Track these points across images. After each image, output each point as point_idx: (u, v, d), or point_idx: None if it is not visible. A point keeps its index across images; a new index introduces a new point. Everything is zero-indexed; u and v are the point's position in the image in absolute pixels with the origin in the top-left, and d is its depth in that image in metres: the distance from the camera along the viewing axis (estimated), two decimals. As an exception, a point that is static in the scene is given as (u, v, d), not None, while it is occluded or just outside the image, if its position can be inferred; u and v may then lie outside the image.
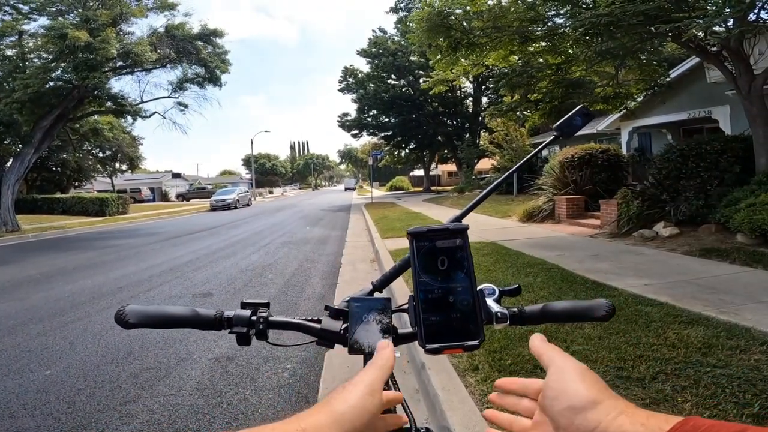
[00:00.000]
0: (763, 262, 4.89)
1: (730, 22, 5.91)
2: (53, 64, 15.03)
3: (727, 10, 4.90)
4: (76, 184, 31.31)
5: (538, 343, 0.50)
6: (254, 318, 0.66)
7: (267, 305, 0.69)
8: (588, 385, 0.41)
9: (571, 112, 0.73)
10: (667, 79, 9.80)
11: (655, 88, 9.78)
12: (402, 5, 30.33)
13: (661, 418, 0.35)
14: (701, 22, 5.07)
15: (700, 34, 6.37)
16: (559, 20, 8.06)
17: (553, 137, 0.78)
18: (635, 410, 0.37)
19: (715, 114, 9.76)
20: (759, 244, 5.55)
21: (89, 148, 29.25)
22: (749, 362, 2.48)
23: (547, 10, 7.86)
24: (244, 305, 0.68)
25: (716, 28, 5.88)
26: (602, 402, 0.38)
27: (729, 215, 6.00)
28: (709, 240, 6.22)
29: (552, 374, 0.45)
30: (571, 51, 8.46)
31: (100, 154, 30.60)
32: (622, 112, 11.07)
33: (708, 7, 5.06)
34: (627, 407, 0.38)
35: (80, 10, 15.40)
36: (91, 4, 15.79)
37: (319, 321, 0.70)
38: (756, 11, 5.87)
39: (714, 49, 6.99)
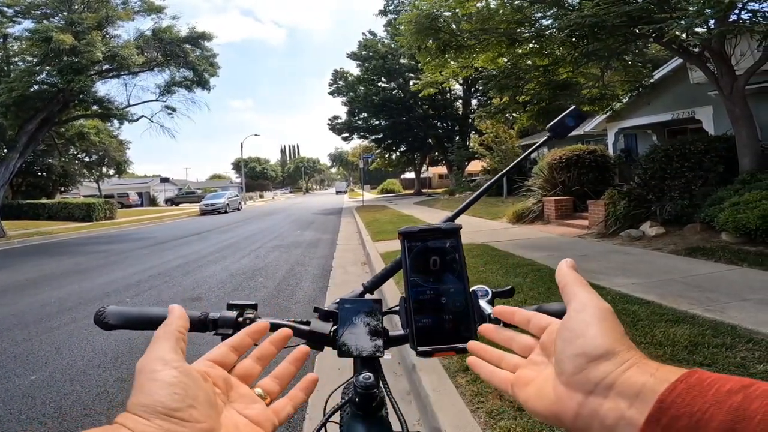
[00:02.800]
0: (748, 260, 4.98)
1: (711, 23, 6.03)
2: (38, 68, 14.82)
3: (708, 11, 4.99)
4: (62, 189, 30.82)
5: (566, 270, 0.44)
6: (240, 319, 0.65)
7: (254, 306, 0.68)
8: (608, 330, 0.37)
9: (563, 113, 0.73)
10: (652, 80, 9.96)
11: (640, 89, 9.94)
12: (391, 8, 30.44)
13: (670, 369, 0.33)
14: (682, 23, 5.16)
15: (682, 35, 6.49)
16: (545, 22, 8.16)
17: (545, 138, 0.78)
18: (647, 362, 0.35)
19: (698, 114, 9.93)
20: (743, 243, 5.65)
21: (75, 152, 28.86)
22: (735, 359, 2.52)
23: (533, 12, 7.96)
24: (230, 306, 0.67)
25: (698, 29, 5.99)
26: (618, 353, 0.35)
27: (713, 214, 6.10)
28: (694, 239, 6.32)
29: (572, 312, 0.40)
30: (557, 53, 8.56)
31: (87, 159, 30.18)
32: (608, 114, 11.23)
33: (689, 8, 5.15)
34: (640, 358, 0.35)
35: (65, 13, 15.22)
36: (76, 7, 15.60)
37: (308, 323, 0.68)
38: (737, 12, 5.99)
39: (696, 50, 7.12)
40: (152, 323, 0.63)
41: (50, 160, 26.84)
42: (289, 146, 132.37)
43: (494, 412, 2.13)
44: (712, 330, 2.94)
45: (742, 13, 6.09)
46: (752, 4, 5.92)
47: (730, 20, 6.10)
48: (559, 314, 0.61)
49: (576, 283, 0.42)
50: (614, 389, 0.33)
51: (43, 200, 24.31)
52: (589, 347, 0.36)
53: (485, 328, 0.51)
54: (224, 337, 0.64)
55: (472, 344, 0.50)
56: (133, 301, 5.31)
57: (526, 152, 0.82)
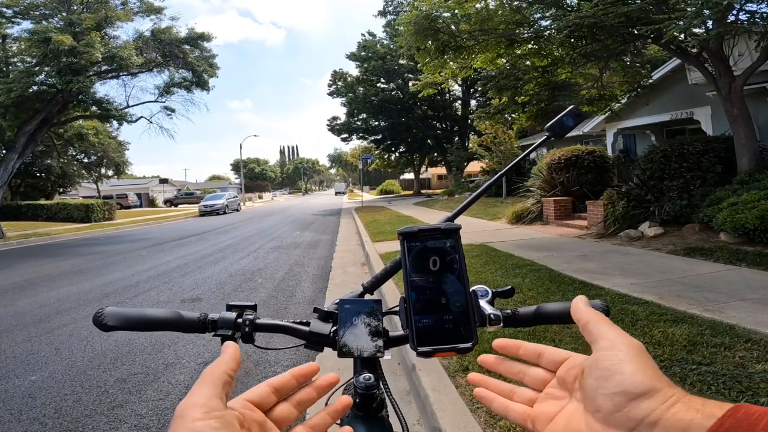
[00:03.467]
0: (746, 260, 4.99)
1: (710, 24, 6.05)
2: (37, 69, 14.80)
3: (706, 11, 5.00)
4: (61, 190, 30.79)
5: (583, 307, 0.44)
6: (240, 320, 0.65)
7: (254, 307, 0.67)
8: (645, 368, 0.36)
9: (562, 113, 0.73)
10: (650, 81, 9.98)
11: (639, 89, 9.95)
12: (390, 9, 30.50)
13: (715, 404, 0.33)
14: (681, 23, 5.17)
15: (681, 36, 6.50)
16: (544, 23, 8.17)
17: (544, 137, 0.78)
18: (691, 397, 0.34)
19: (696, 115, 9.95)
20: (742, 243, 5.66)
21: (74, 153, 28.84)
22: (734, 359, 2.52)
23: (532, 12, 7.96)
24: (229, 307, 0.67)
25: (696, 30, 6.01)
26: (660, 389, 0.34)
27: (712, 215, 6.11)
28: (693, 239, 6.33)
29: (602, 350, 0.39)
30: (556, 53, 8.57)
31: (85, 160, 30.16)
32: (607, 114, 11.24)
33: (687, 9, 5.16)
34: (683, 394, 0.35)
35: (64, 14, 15.21)
36: (75, 8, 15.60)
37: (307, 323, 0.68)
38: (735, 13, 6.01)
39: (694, 50, 7.14)
40: (151, 324, 0.63)
41: (49, 161, 26.81)
42: (288, 147, 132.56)
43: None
44: (710, 330, 2.95)
45: (740, 13, 6.11)
46: (750, 5, 5.94)
47: (728, 21, 6.11)
48: (559, 315, 0.62)
49: (598, 320, 0.42)
50: (659, 427, 0.33)
51: (42, 201, 24.29)
52: (628, 385, 0.35)
53: (486, 360, 0.50)
54: (223, 338, 0.64)
55: (473, 377, 0.49)
56: (132, 302, 5.30)
57: (525, 152, 0.82)
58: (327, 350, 0.67)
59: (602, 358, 0.38)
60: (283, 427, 0.42)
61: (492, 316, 0.60)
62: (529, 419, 0.42)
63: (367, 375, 0.61)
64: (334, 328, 0.66)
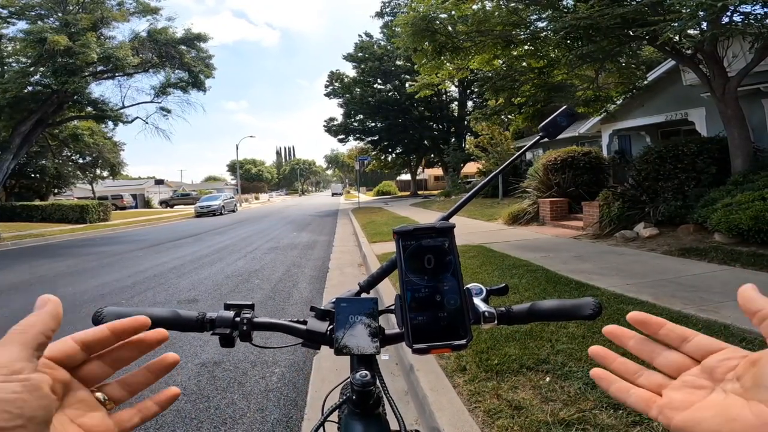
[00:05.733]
0: (741, 260, 5.03)
1: (704, 25, 6.10)
2: (32, 69, 14.76)
3: (701, 13, 5.05)
4: (56, 191, 30.65)
5: (756, 296, 0.38)
6: (238, 319, 0.65)
7: (252, 306, 0.68)
8: None
9: (555, 113, 0.74)
10: (645, 82, 10.05)
11: (634, 91, 10.02)
12: (387, 10, 30.54)
13: None
14: (675, 25, 5.22)
15: (675, 37, 6.55)
16: (541, 24, 8.22)
17: (538, 137, 0.78)
18: None
19: (691, 116, 10.02)
20: (736, 243, 5.70)
21: (69, 154, 28.72)
22: (727, 357, 2.55)
23: (529, 14, 8.01)
24: (227, 306, 0.67)
25: (691, 32, 6.06)
26: None
27: (706, 215, 6.16)
28: (687, 240, 6.37)
29: None
30: (552, 55, 8.62)
31: (80, 160, 30.03)
32: (602, 115, 11.31)
33: (682, 11, 5.20)
34: None
35: (60, 14, 15.16)
36: (71, 8, 15.55)
37: (305, 322, 0.69)
38: (729, 15, 6.06)
39: (688, 52, 7.19)
40: (151, 323, 0.63)
41: (44, 162, 26.70)
42: (285, 148, 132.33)
43: (492, 411, 2.14)
44: (705, 329, 2.97)
45: (734, 15, 6.16)
46: (744, 6, 5.99)
47: (723, 22, 6.16)
48: (552, 312, 0.62)
49: None
50: None
51: (37, 202, 24.14)
52: None
53: (615, 331, 0.43)
54: (222, 337, 0.64)
55: (596, 350, 0.44)
56: (129, 303, 5.28)
57: (520, 152, 0.83)
58: (324, 348, 0.68)
59: None
60: (90, 385, 0.37)
61: (486, 313, 0.60)
62: (655, 406, 0.38)
63: (364, 372, 0.62)
64: (331, 326, 0.66)
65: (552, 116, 0.74)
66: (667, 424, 0.36)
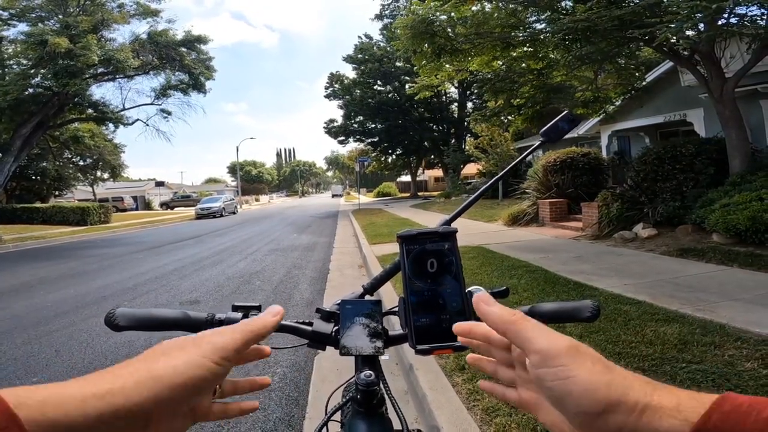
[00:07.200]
0: (738, 260, 5.06)
1: (701, 27, 6.14)
2: (33, 71, 14.80)
3: (698, 15, 5.09)
4: (57, 193, 30.65)
5: (498, 311, 0.38)
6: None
7: (259, 308, 0.70)
8: (592, 377, 0.31)
9: (556, 118, 0.75)
10: (644, 83, 10.08)
11: (633, 92, 10.05)
12: (387, 12, 30.61)
13: (691, 402, 0.29)
14: (673, 26, 5.25)
15: (673, 38, 6.59)
16: (539, 26, 8.26)
17: (539, 142, 0.79)
18: (658, 398, 0.30)
19: (689, 117, 10.05)
20: (734, 244, 5.73)
21: (69, 156, 28.72)
22: (723, 358, 2.58)
23: (528, 16, 8.05)
24: (235, 308, 0.69)
25: (688, 33, 6.10)
26: (620, 400, 0.30)
27: (704, 216, 6.19)
28: (686, 240, 6.40)
29: (539, 366, 0.34)
30: (551, 56, 8.66)
31: (81, 163, 30.03)
32: (601, 116, 11.33)
33: (680, 13, 5.24)
34: (647, 397, 0.30)
35: (61, 16, 15.21)
36: (71, 10, 15.60)
37: (310, 323, 0.71)
38: (725, 16, 6.10)
39: (686, 53, 7.22)
40: (160, 324, 0.65)
41: (44, 164, 26.72)
42: (285, 149, 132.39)
43: (490, 409, 2.18)
44: (701, 329, 3.00)
45: (731, 17, 6.20)
46: (740, 8, 6.03)
47: (720, 24, 6.20)
48: (552, 314, 0.64)
49: (520, 324, 0.37)
50: None
51: (38, 204, 24.16)
52: (584, 406, 0.31)
53: (461, 328, 0.46)
54: None
55: (470, 357, 0.49)
56: (131, 305, 5.28)
57: (521, 156, 0.84)
58: (329, 349, 0.70)
59: (543, 377, 0.33)
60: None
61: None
62: (524, 405, 0.40)
63: (368, 372, 0.64)
64: (336, 327, 0.69)
65: (553, 121, 0.75)
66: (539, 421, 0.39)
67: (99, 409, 0.31)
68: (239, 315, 0.68)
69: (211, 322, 0.67)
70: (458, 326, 0.46)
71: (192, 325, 0.67)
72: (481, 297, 0.42)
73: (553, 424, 0.35)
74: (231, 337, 0.40)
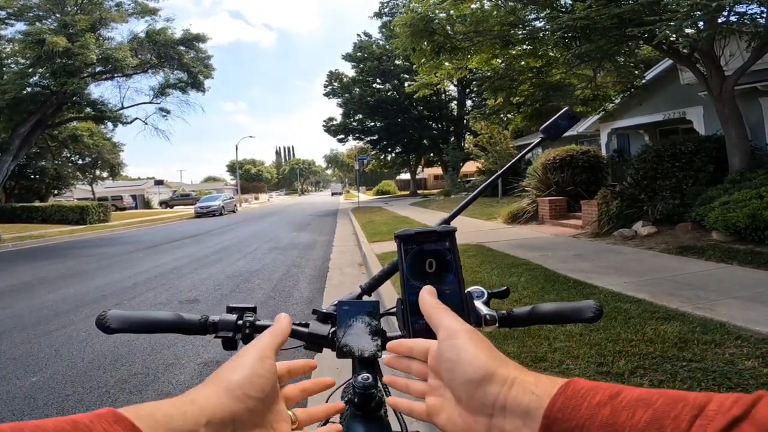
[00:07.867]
0: (738, 258, 5.06)
1: (701, 25, 6.13)
2: (31, 70, 14.76)
3: (697, 13, 5.08)
4: (56, 192, 30.63)
5: (427, 298, 0.47)
6: (240, 322, 0.66)
7: (254, 309, 0.68)
8: (479, 352, 0.38)
9: (556, 115, 0.74)
10: (643, 81, 10.07)
11: (632, 90, 10.04)
12: (386, 10, 30.53)
13: (547, 382, 0.34)
14: (672, 24, 5.24)
15: (672, 37, 6.58)
16: (538, 24, 8.24)
17: (539, 139, 0.79)
18: (524, 376, 0.36)
19: (689, 115, 10.04)
20: (733, 241, 5.73)
21: (68, 155, 28.71)
22: (724, 356, 2.57)
23: (527, 14, 8.03)
24: (230, 309, 0.68)
25: (688, 31, 6.08)
26: (495, 372, 0.36)
27: (704, 213, 6.19)
28: (685, 238, 6.40)
29: (441, 341, 0.41)
30: (551, 54, 8.65)
31: (80, 162, 30.04)
32: (601, 114, 11.33)
33: (679, 11, 5.23)
34: (517, 373, 0.36)
35: (58, 15, 15.16)
36: (69, 9, 15.55)
37: (306, 325, 0.69)
38: (725, 14, 6.08)
39: (685, 51, 7.21)
40: (153, 327, 0.64)
41: (43, 163, 26.70)
42: (284, 148, 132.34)
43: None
44: (701, 327, 3.00)
45: (731, 15, 6.19)
46: (739, 6, 6.01)
47: (719, 22, 6.19)
48: (554, 315, 0.64)
49: (437, 309, 0.44)
50: (507, 410, 0.35)
51: (36, 203, 24.14)
52: (469, 373, 0.37)
53: (392, 345, 0.50)
54: (224, 340, 0.65)
55: (387, 379, 0.51)
56: (130, 304, 5.31)
57: (521, 154, 0.83)
58: (325, 352, 0.69)
59: (443, 349, 0.40)
60: (289, 404, 0.48)
61: (488, 316, 0.61)
62: (426, 414, 0.43)
63: (366, 375, 0.62)
64: (333, 329, 0.67)
65: (553, 118, 0.74)
66: (438, 427, 0.42)
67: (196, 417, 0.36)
68: (233, 317, 0.67)
69: (205, 325, 0.66)
70: (391, 344, 0.50)
71: (186, 328, 0.65)
72: (426, 289, 0.49)
73: (449, 420, 0.40)
74: (265, 341, 0.47)
